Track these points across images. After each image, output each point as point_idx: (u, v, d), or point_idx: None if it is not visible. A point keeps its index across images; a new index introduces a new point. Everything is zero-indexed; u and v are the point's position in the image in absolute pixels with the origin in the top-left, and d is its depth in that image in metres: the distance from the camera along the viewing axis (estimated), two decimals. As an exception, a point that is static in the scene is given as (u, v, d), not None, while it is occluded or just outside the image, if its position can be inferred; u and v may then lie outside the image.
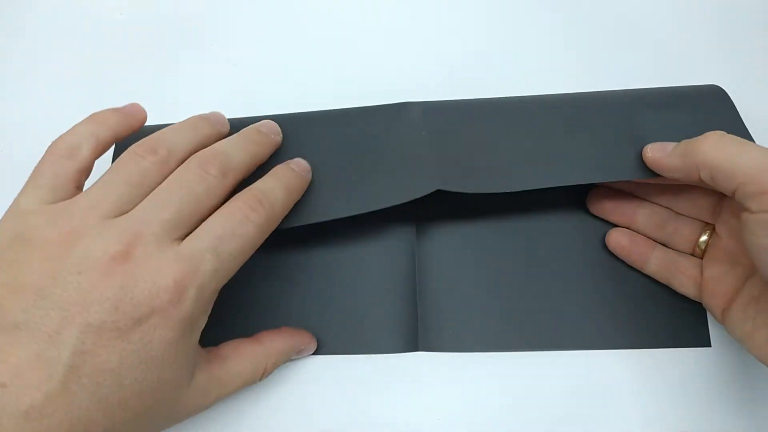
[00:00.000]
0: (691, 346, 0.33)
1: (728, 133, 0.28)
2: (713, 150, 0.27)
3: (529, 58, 0.40)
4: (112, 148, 0.34)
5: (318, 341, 0.33)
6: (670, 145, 0.30)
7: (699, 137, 0.28)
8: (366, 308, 0.34)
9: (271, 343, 0.31)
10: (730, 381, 0.33)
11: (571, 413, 0.32)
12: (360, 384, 0.33)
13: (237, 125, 0.32)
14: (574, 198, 0.35)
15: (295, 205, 0.30)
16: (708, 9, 0.41)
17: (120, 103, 0.39)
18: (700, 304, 0.32)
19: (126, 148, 0.31)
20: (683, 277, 0.32)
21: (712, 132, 0.28)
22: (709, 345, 0.33)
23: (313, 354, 0.33)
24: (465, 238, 0.35)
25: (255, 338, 0.31)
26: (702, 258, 0.32)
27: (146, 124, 0.38)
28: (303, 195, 0.31)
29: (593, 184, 0.35)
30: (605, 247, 0.35)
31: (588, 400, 0.33)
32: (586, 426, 0.32)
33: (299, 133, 0.33)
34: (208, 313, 0.26)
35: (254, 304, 0.35)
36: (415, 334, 0.34)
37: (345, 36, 0.40)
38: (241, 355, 0.29)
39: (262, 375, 0.30)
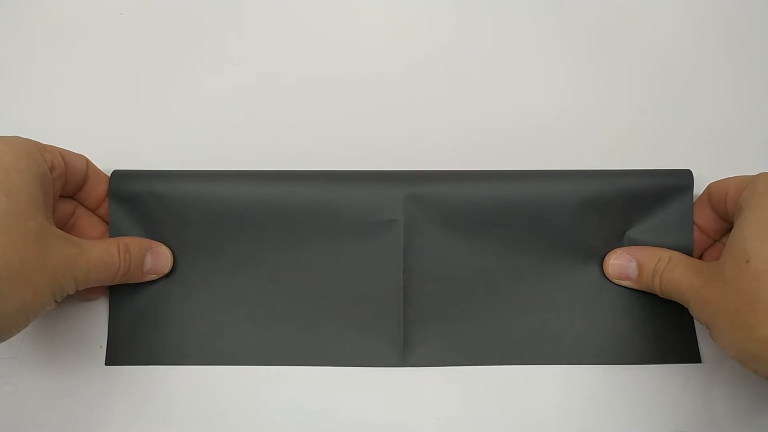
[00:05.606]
0: (682, 362, 0.34)
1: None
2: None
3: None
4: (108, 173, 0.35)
5: (304, 352, 0.34)
6: (630, 263, 0.33)
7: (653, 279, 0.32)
8: (352, 320, 0.34)
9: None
10: (720, 397, 0.33)
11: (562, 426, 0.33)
12: (358, 388, 0.34)
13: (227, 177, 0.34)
14: (567, 217, 0.35)
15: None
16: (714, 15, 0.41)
17: (119, 102, 0.39)
18: (689, 320, 0.34)
19: (121, 181, 0.34)
20: None
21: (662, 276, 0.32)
22: (699, 361, 0.34)
23: (300, 365, 0.34)
24: (453, 250, 0.35)
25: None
26: None
27: (146, 124, 0.39)
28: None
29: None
30: (596, 264, 0.35)
31: (577, 413, 0.33)
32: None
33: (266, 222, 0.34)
34: None
35: (240, 316, 0.35)
36: (400, 348, 0.34)
37: (345, 35, 0.41)
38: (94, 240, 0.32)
39: (117, 252, 0.32)
